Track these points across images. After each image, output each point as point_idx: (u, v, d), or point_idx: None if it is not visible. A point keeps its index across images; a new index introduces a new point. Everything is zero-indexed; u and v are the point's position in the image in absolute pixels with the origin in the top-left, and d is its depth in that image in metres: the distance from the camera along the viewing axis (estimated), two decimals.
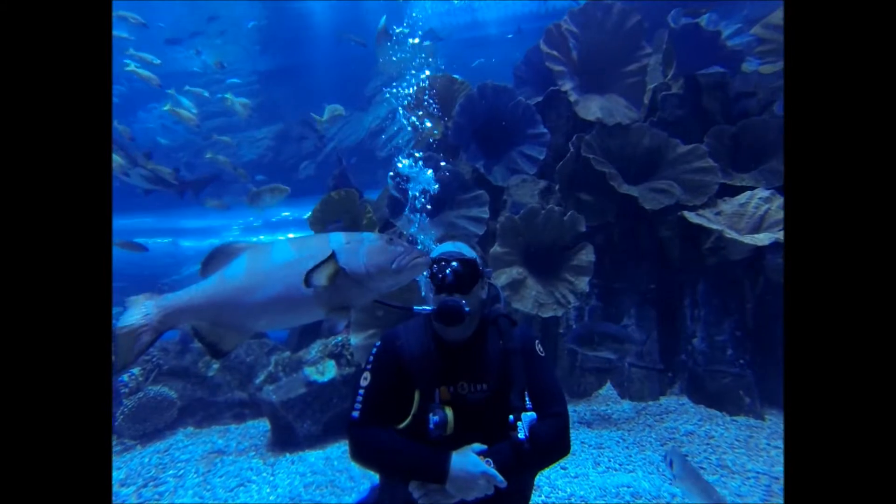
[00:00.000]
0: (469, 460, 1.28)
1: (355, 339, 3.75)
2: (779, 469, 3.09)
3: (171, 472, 3.50)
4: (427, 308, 1.49)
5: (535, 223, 4.41)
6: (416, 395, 1.39)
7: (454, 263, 1.44)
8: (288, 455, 3.63)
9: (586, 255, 4.38)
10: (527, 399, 1.38)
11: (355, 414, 1.40)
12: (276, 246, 1.64)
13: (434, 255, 1.51)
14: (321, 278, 1.53)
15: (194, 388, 4.42)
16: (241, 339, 1.81)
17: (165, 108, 7.73)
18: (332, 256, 1.54)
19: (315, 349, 3.95)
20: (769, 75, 4.88)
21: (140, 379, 4.24)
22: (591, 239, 4.67)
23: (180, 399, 4.33)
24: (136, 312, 1.56)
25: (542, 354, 1.50)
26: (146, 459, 3.72)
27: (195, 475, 3.41)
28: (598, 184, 4.79)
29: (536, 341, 1.51)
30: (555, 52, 5.27)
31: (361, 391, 1.44)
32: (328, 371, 3.66)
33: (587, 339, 3.69)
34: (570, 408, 4.26)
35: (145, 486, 3.27)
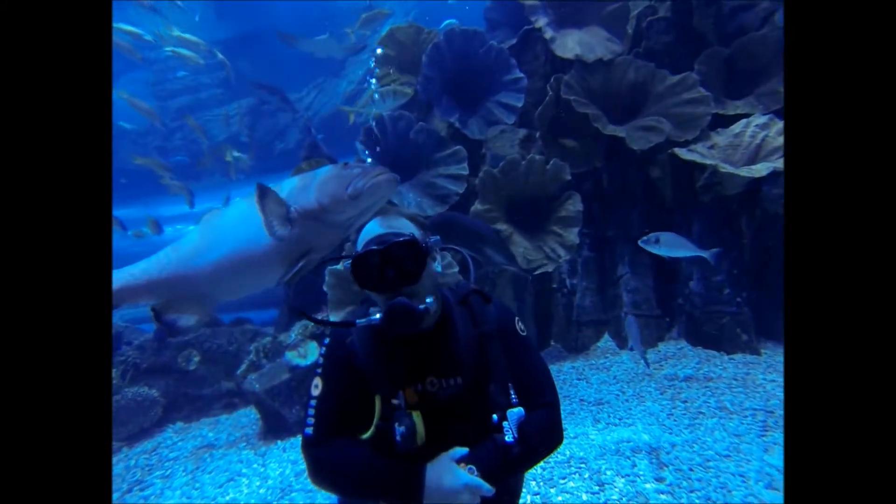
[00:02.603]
0: (447, 471, 1.06)
1: (334, 318, 3.57)
2: (774, 403, 3.02)
3: (157, 472, 3.39)
4: (374, 318, 1.12)
5: (517, 175, 4.12)
6: (377, 401, 1.14)
7: (389, 250, 1.11)
8: (279, 442, 3.53)
9: (573, 205, 4.12)
10: (510, 390, 1.15)
11: (308, 430, 1.14)
12: (231, 205, 1.58)
13: (360, 246, 1.17)
14: (279, 223, 1.39)
15: (178, 383, 4.30)
16: (203, 313, 1.67)
17: (122, 95, 6.95)
18: (270, 194, 1.40)
19: (295, 331, 3.78)
20: None
21: (116, 380, 4.10)
22: (578, 187, 4.40)
23: (164, 396, 4.19)
24: None
25: (524, 333, 1.25)
26: (132, 462, 3.61)
27: (183, 474, 3.29)
28: (581, 127, 4.46)
29: (516, 319, 1.26)
30: None
31: (313, 402, 1.17)
32: (310, 353, 3.50)
33: (443, 228, 3.36)
34: (567, 364, 4.20)
35: (129, 490, 3.14)
